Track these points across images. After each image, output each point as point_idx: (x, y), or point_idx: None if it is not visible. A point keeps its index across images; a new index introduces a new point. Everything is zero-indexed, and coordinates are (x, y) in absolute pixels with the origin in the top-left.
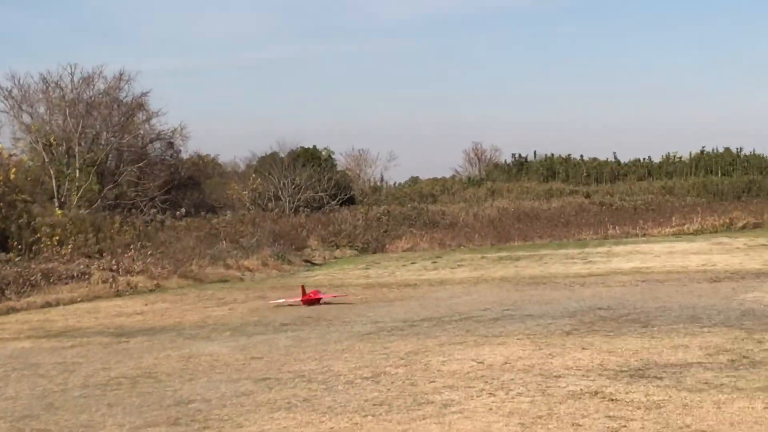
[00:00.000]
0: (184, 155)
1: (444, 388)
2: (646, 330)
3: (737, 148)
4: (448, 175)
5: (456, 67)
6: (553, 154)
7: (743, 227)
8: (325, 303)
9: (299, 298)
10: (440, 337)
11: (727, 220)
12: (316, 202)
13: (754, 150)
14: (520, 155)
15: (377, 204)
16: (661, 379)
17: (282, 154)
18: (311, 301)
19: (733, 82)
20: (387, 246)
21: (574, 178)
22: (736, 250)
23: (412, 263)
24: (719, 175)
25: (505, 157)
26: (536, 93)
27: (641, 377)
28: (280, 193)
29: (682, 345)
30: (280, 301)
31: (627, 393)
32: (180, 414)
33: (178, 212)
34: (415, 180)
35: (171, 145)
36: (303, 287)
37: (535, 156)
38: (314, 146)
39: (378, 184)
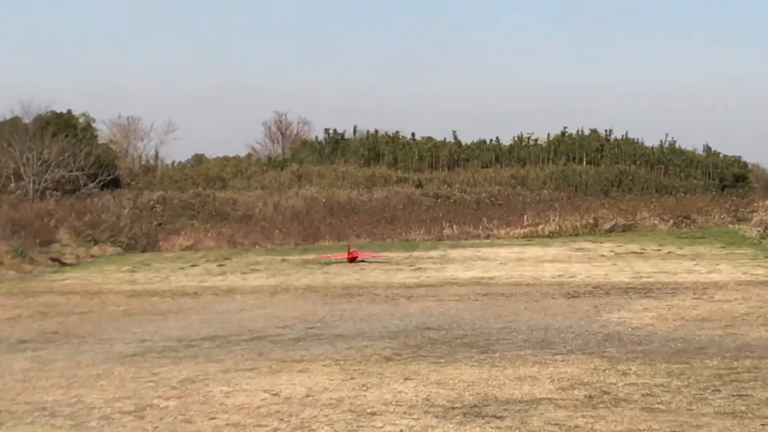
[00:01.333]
0: None
1: (227, 426)
2: (485, 357)
3: (606, 131)
4: (242, 153)
5: (251, 20)
6: (377, 131)
7: (610, 230)
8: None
9: (345, 255)
10: (225, 362)
11: (591, 221)
12: (69, 183)
13: (626, 134)
14: (335, 131)
15: (150, 188)
16: (501, 418)
17: (26, 120)
18: (354, 258)
19: (599, 50)
20: (161, 243)
21: (403, 163)
22: (600, 258)
23: (193, 266)
24: (583, 163)
25: (317, 133)
26: (357, 56)
27: (477, 416)
28: (21, 170)
29: (529, 376)
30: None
31: None
32: None
33: None
34: (199, 159)
35: None
36: (348, 246)
37: (354, 133)
38: (69, 111)
39: (152, 162)
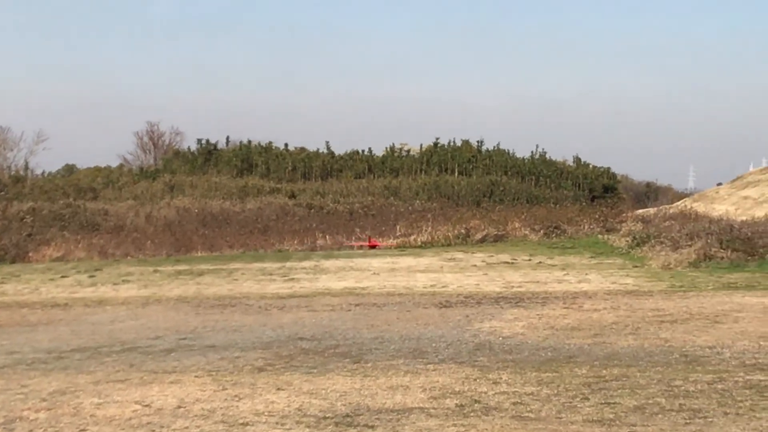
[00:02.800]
0: None
1: None
2: (357, 366)
3: (478, 142)
4: (114, 163)
5: (123, 29)
6: (250, 142)
7: (482, 240)
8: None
9: (367, 244)
10: (96, 373)
11: (463, 231)
12: None
13: (498, 145)
14: (207, 141)
15: (19, 199)
16: (373, 428)
17: None
18: (373, 246)
19: (470, 62)
20: (31, 254)
21: (276, 173)
22: (472, 268)
23: (63, 277)
24: (455, 174)
25: (189, 144)
26: (230, 67)
27: (349, 425)
28: None
29: (401, 385)
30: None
31: None
32: None
33: None
34: (70, 169)
35: None
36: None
37: (227, 143)
38: None
39: (21, 173)
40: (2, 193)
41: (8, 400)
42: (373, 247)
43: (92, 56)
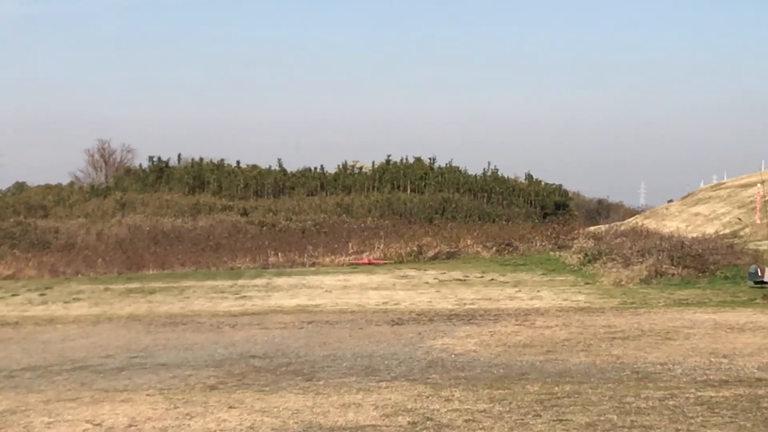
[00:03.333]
0: None
1: None
2: (310, 384)
3: (430, 159)
4: (65, 181)
5: (73, 46)
6: (202, 159)
7: (434, 257)
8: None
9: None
10: (46, 392)
11: (416, 248)
12: None
13: (450, 162)
14: (159, 159)
15: None
16: None
17: None
18: (371, 263)
19: (417, 79)
20: None
21: (228, 191)
22: (424, 285)
23: (14, 295)
24: (408, 191)
25: (141, 161)
26: (182, 84)
27: None
28: None
29: (353, 403)
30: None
31: None
32: None
33: None
34: (21, 186)
35: None
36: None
37: (179, 160)
38: None
39: None
40: None
41: None
42: (371, 263)
43: (43, 74)
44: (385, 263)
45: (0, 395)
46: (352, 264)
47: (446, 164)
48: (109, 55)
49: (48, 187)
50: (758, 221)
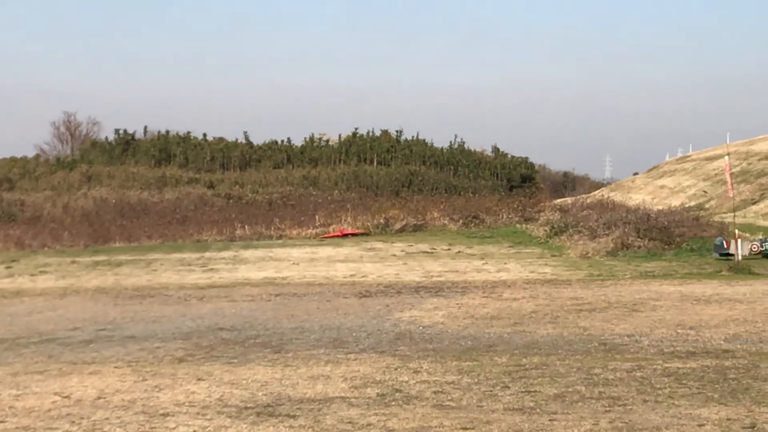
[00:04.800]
0: None
1: (17, 429)
2: (278, 356)
3: (397, 132)
4: (30, 154)
5: (36, 17)
6: (168, 132)
7: (401, 230)
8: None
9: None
10: (14, 365)
11: (382, 221)
12: None
13: (417, 135)
14: (125, 131)
15: None
16: (294, 417)
17: None
18: (345, 234)
19: (384, 51)
20: None
21: (194, 164)
22: (392, 257)
23: None
24: (374, 164)
25: (107, 134)
26: (147, 56)
27: (270, 415)
28: None
29: (322, 375)
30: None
31: None
32: None
33: None
34: None
35: None
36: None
37: (145, 133)
38: None
39: None
40: None
41: None
42: (344, 235)
43: (6, 45)
44: (364, 233)
45: None
46: (323, 238)
47: (413, 137)
48: (74, 27)
49: (13, 159)
50: (730, 194)
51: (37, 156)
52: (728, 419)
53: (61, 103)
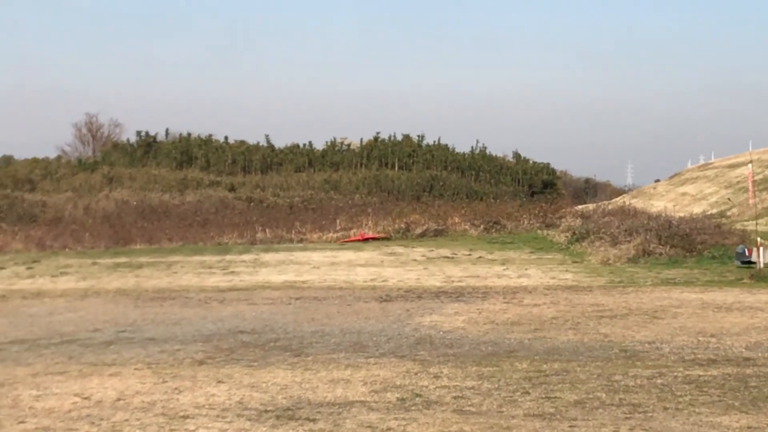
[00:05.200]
0: None
1: (37, 430)
2: (298, 360)
3: (418, 136)
4: (52, 155)
5: (60, 19)
6: (189, 134)
7: (422, 234)
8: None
9: (359, 237)
10: (34, 365)
11: (404, 225)
12: None
13: (439, 140)
14: (147, 133)
15: None
16: (314, 421)
17: None
18: (366, 239)
19: (407, 56)
20: None
21: (216, 166)
22: (412, 262)
23: (1, 268)
24: (396, 168)
25: (129, 136)
26: (169, 59)
27: (290, 419)
28: None
29: (342, 379)
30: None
31: None
32: None
33: None
34: (8, 160)
35: None
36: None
37: (166, 135)
38: None
39: None
40: None
41: None
42: (365, 240)
43: (31, 48)
44: (385, 237)
45: None
46: (344, 242)
47: (434, 142)
48: (97, 30)
49: (35, 160)
50: (752, 202)
51: (59, 157)
52: (749, 427)
53: (84, 104)
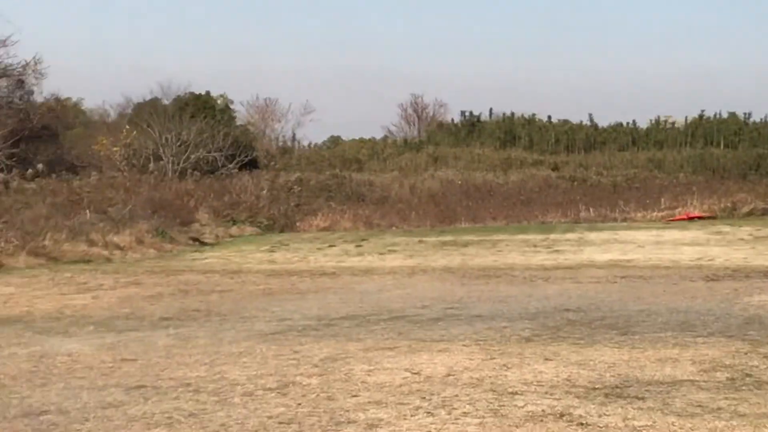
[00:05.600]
0: (38, 98)
1: (369, 404)
2: (625, 338)
3: (745, 114)
4: (378, 135)
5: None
6: (513, 114)
7: (749, 213)
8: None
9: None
10: (365, 341)
11: (729, 204)
12: (208, 164)
13: (766, 117)
14: (471, 113)
15: (287, 170)
16: (643, 399)
17: (165, 101)
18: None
19: (745, 27)
20: (298, 223)
21: (539, 145)
22: (739, 241)
23: (331, 246)
24: (721, 147)
25: (453, 116)
26: (492, 38)
27: (619, 397)
28: (161, 151)
29: (670, 358)
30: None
31: (600, 416)
32: (29, 428)
33: (28, 171)
34: (336, 140)
35: (21, 83)
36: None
37: (490, 115)
38: (207, 92)
39: (289, 144)
40: (271, 163)
41: (282, 365)
42: (691, 219)
43: (355, 29)
44: (710, 216)
45: (321, 343)
46: (669, 221)
47: (761, 119)
48: (420, 8)
49: (362, 141)
50: None
51: (385, 137)
52: None
53: (409, 85)
